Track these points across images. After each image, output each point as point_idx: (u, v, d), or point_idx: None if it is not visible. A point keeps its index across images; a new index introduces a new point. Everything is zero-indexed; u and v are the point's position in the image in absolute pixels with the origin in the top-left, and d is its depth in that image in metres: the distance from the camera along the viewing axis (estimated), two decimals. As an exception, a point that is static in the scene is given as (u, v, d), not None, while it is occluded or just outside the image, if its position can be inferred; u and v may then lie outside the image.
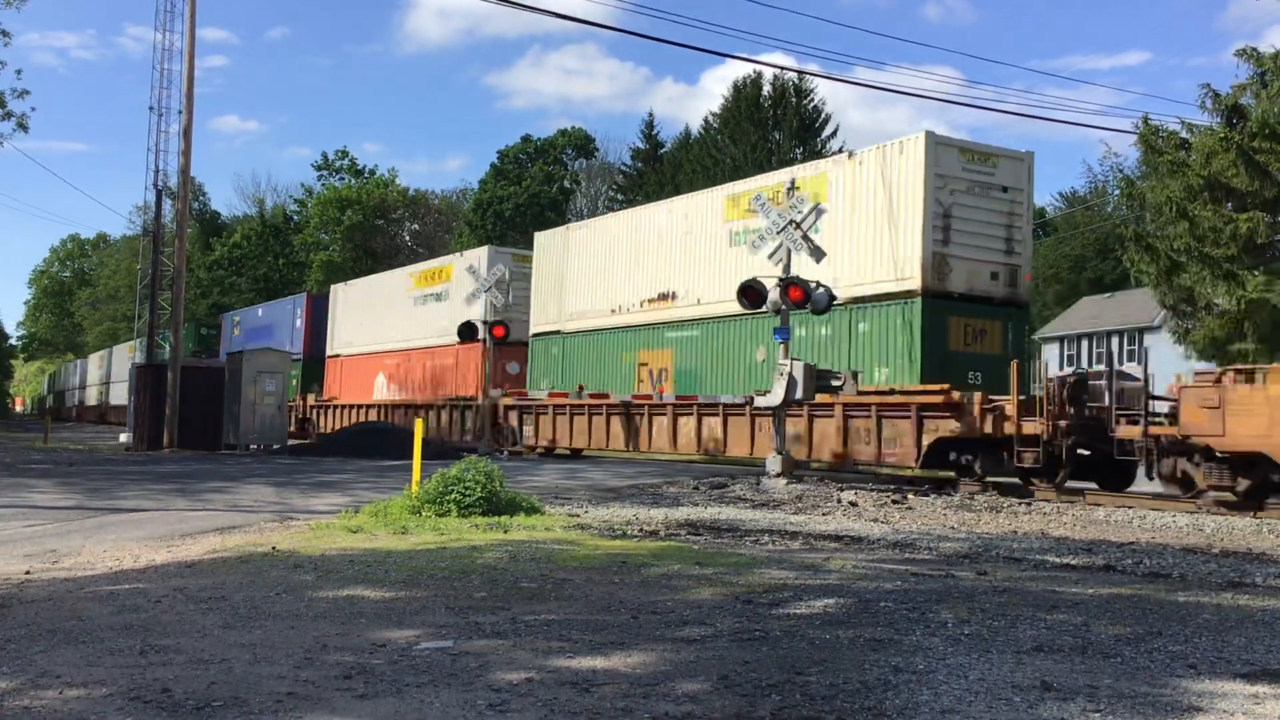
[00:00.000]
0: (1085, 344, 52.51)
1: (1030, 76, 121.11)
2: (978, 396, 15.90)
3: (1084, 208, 59.41)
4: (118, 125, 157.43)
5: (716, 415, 19.99)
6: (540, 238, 27.49)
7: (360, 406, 33.22)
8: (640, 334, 23.37)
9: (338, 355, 36.58)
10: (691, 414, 20.62)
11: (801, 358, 16.66)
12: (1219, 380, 13.22)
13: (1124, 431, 14.19)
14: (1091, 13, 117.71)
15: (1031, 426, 15.18)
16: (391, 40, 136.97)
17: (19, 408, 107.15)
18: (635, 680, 4.37)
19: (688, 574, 7.25)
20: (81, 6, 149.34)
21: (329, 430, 32.34)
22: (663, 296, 22.74)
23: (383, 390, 33.02)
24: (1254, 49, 23.35)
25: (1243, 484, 13.12)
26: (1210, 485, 13.42)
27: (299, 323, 39.02)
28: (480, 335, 24.73)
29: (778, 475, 15.69)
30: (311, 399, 36.16)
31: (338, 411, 34.32)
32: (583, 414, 23.64)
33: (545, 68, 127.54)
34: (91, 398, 72.17)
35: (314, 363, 37.52)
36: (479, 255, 28.38)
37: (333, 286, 39.03)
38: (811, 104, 52.07)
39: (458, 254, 30.80)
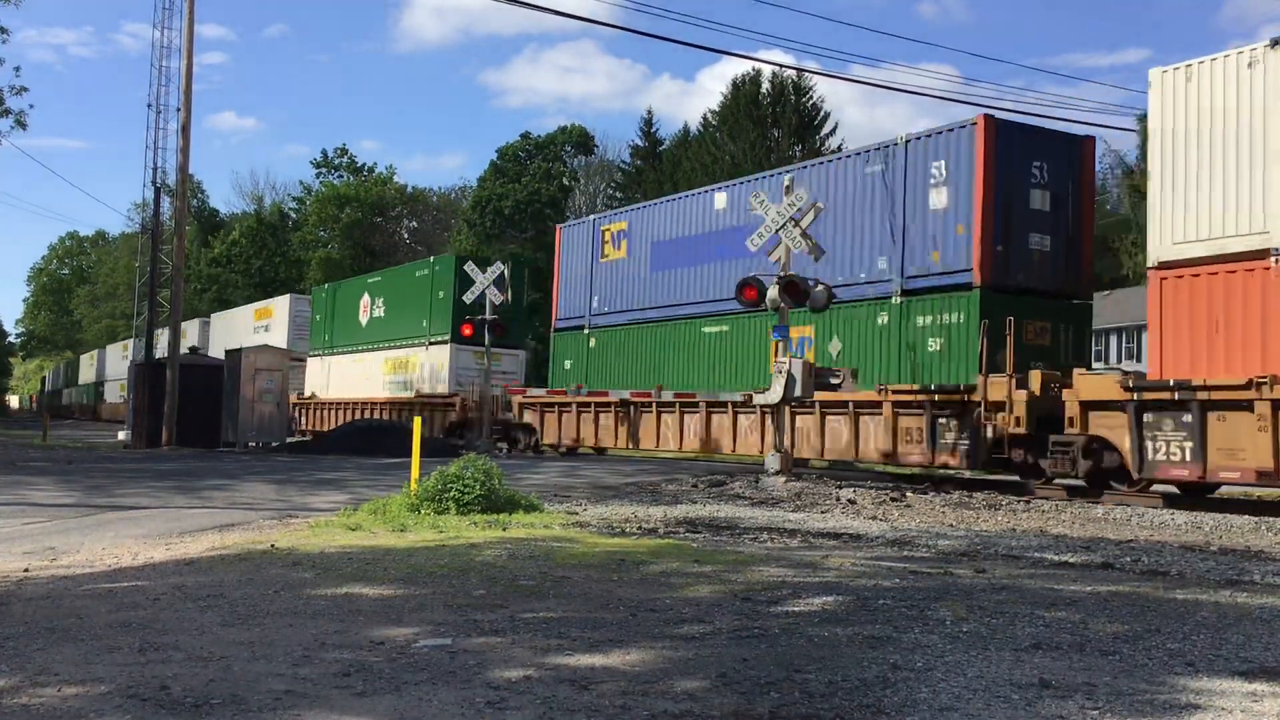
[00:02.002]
0: (1085, 341, 52.36)
1: (1029, 74, 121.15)
2: None
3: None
4: (116, 122, 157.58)
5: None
6: None
7: None
8: None
9: None
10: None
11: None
12: None
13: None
14: (1090, 11, 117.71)
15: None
16: (388, 38, 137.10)
17: (34, 405, 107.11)
18: (634, 678, 4.37)
19: (686, 572, 7.25)
20: (79, 3, 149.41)
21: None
22: None
23: None
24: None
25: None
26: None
27: (962, 200, 17.20)
28: None
29: (776, 473, 15.70)
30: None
31: None
32: None
33: (542, 65, 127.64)
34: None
35: (1000, 295, 16.78)
36: None
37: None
38: (810, 101, 52.10)
39: None
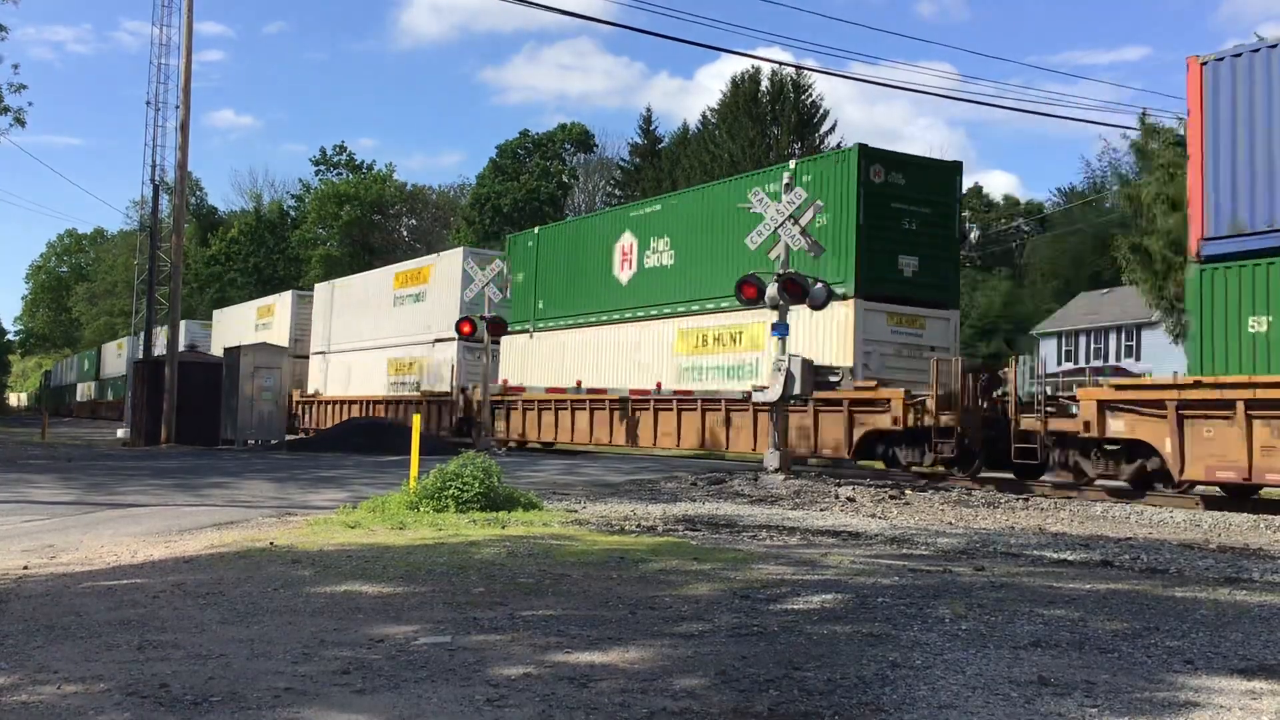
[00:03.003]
0: (1083, 339, 52.61)
1: (1028, 72, 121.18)
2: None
3: (1082, 203, 59.47)
4: (115, 120, 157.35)
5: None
6: None
7: None
8: None
9: None
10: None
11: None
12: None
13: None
14: (1090, 8, 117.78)
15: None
16: (387, 36, 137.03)
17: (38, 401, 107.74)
18: (633, 675, 4.37)
19: (685, 569, 7.25)
20: (78, 1, 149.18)
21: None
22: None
23: None
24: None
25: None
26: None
27: None
28: None
29: (776, 471, 15.69)
30: None
31: None
32: None
33: (540, 63, 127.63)
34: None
35: None
36: None
37: None
38: (810, 99, 52.16)
39: None
